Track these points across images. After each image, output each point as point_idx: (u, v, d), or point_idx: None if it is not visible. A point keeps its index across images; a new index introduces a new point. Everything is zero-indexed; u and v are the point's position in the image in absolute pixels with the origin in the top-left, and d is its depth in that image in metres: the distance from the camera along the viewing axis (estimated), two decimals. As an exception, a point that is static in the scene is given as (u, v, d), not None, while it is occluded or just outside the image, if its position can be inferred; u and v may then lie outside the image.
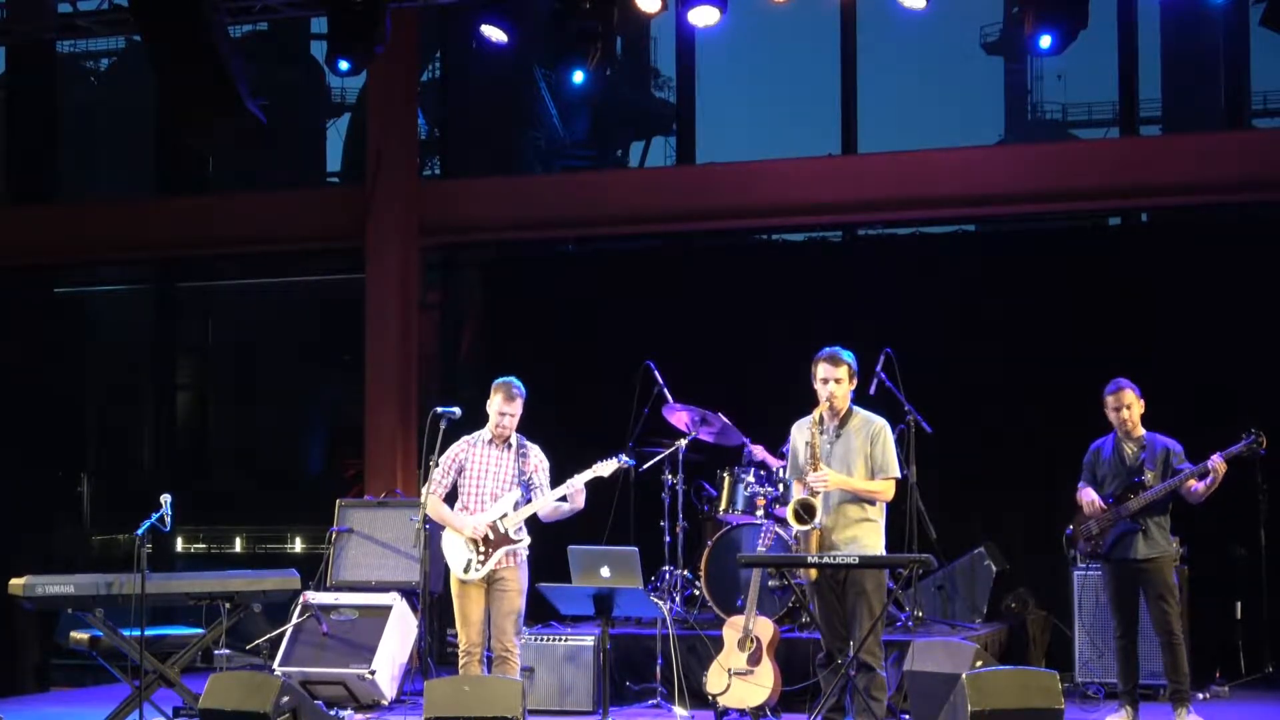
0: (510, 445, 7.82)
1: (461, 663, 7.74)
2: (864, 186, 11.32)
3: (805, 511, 7.10)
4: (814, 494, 7.08)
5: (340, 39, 9.31)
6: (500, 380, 7.83)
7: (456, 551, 7.74)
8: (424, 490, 7.81)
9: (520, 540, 7.75)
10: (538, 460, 7.86)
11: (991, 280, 10.72)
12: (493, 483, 7.77)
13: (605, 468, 7.83)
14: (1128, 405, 7.96)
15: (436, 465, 7.79)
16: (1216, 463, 7.71)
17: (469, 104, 14.40)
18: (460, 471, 7.83)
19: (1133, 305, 10.33)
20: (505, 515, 7.72)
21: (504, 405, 7.75)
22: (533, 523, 7.87)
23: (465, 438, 7.88)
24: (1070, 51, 8.92)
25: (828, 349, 7.25)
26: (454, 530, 7.76)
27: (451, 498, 7.91)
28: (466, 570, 7.68)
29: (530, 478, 7.79)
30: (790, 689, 8.37)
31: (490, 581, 7.70)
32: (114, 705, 8.43)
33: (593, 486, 7.86)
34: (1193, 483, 7.77)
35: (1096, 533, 8.00)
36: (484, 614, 7.72)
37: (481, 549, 7.68)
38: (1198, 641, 9.03)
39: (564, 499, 7.74)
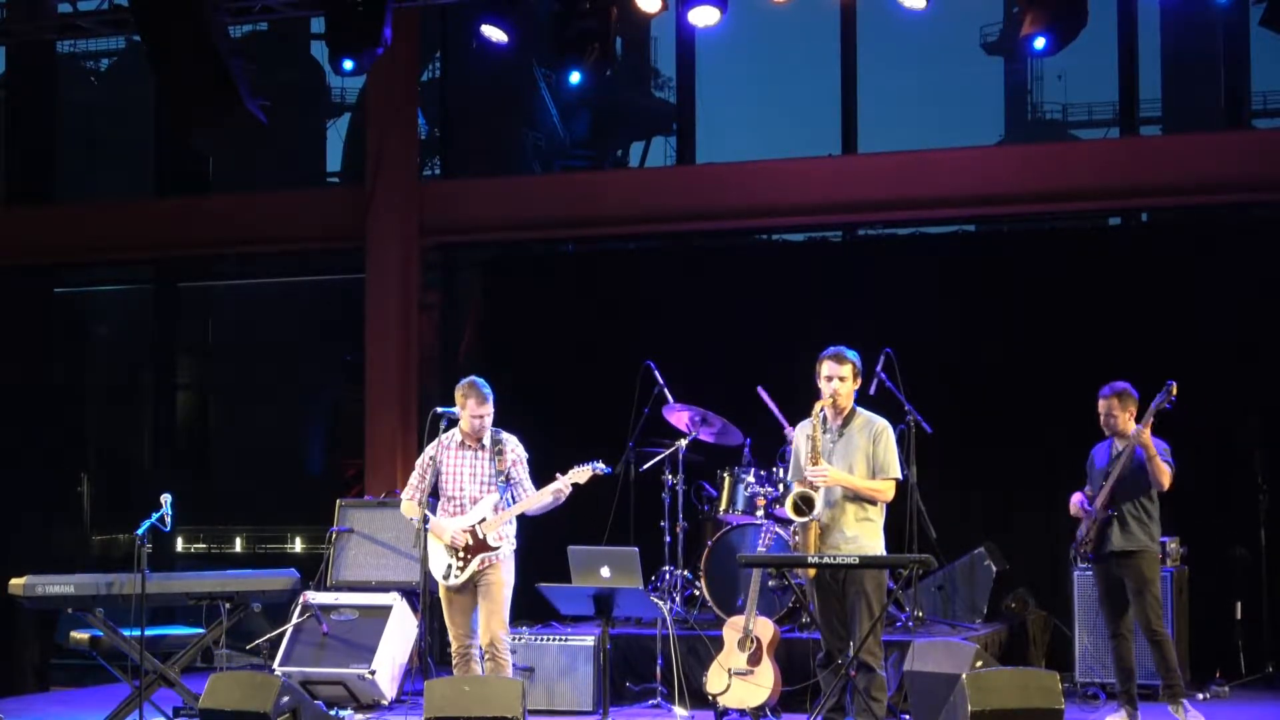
0: (484, 445, 7.70)
1: (455, 661, 7.72)
2: (864, 186, 11.31)
3: (804, 503, 7.10)
4: (813, 488, 7.09)
5: (341, 39, 9.31)
6: (465, 382, 7.67)
7: (437, 557, 7.70)
8: (404, 495, 7.81)
9: (499, 547, 7.62)
10: (514, 455, 7.73)
11: (991, 280, 10.71)
12: (471, 485, 7.68)
13: (580, 474, 7.64)
14: (1125, 410, 7.95)
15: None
16: (1136, 432, 7.69)
17: (469, 104, 14.39)
18: (438, 474, 7.73)
19: (1133, 305, 10.33)
20: (484, 520, 7.63)
21: (477, 409, 7.61)
22: (525, 519, 7.78)
23: (437, 439, 7.77)
24: (1070, 51, 8.92)
25: (833, 348, 7.24)
26: (433, 535, 7.71)
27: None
28: (447, 576, 7.64)
29: (509, 473, 7.67)
30: (790, 689, 8.37)
31: (474, 579, 7.64)
32: (114, 705, 8.44)
33: (590, 485, 7.82)
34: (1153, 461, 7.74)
35: (1091, 536, 8.00)
36: (471, 611, 7.67)
37: (461, 555, 7.62)
38: (1198, 641, 9.03)
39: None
